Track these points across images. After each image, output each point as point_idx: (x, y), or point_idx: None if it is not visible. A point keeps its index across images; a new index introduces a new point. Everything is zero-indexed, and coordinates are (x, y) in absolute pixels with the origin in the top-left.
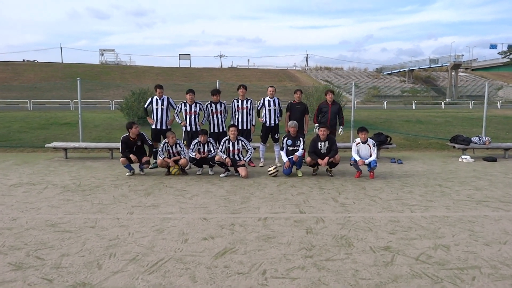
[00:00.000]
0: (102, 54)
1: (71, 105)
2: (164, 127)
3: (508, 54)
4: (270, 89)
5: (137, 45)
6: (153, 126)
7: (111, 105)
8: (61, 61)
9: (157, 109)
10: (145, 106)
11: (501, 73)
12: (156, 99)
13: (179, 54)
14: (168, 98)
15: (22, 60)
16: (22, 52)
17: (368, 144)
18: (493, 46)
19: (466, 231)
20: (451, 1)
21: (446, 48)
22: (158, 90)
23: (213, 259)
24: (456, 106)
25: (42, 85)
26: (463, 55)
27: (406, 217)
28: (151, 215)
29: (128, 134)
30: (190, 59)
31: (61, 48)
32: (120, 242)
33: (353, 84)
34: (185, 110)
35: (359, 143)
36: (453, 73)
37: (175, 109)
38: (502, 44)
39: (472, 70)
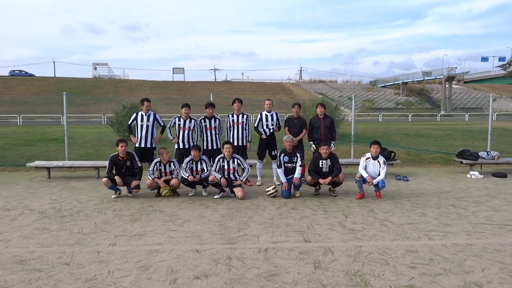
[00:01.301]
0: (95, 68)
1: (62, 120)
2: (148, 145)
3: (507, 66)
4: (267, 102)
5: (131, 59)
6: (136, 145)
7: (103, 119)
8: (54, 76)
9: (141, 126)
10: (129, 123)
11: (493, 85)
12: (142, 115)
13: (173, 68)
14: (154, 114)
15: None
16: (14, 66)
17: (378, 161)
18: (485, 59)
19: (496, 263)
20: (441, 15)
21: (438, 61)
22: (145, 103)
23: None
24: (452, 118)
25: (33, 99)
26: (456, 67)
27: (425, 246)
28: (136, 246)
29: (117, 152)
30: (184, 73)
31: (54, 62)
32: (97, 284)
33: (353, 96)
34: (179, 125)
35: (369, 158)
36: (447, 85)
37: (161, 126)
38: (493, 57)
39: (465, 82)
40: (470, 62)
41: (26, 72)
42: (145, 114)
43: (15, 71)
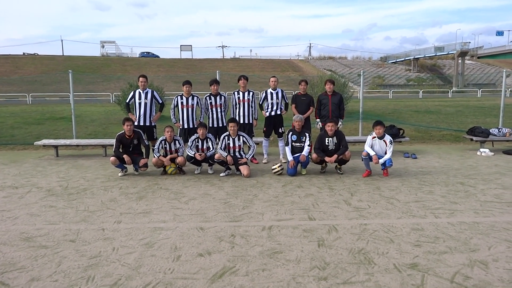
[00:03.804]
0: (103, 46)
1: (71, 98)
2: (148, 124)
3: None
4: (272, 79)
5: (138, 37)
6: (135, 123)
7: (111, 98)
8: (62, 54)
9: (139, 103)
10: (127, 101)
11: (508, 61)
12: (139, 93)
13: (181, 45)
14: (152, 92)
15: (22, 53)
16: (23, 45)
17: (384, 140)
18: (500, 33)
19: (503, 241)
20: None
21: (451, 35)
22: (140, 79)
23: (209, 284)
24: (464, 95)
25: (42, 78)
26: (469, 42)
27: (431, 224)
28: (141, 224)
29: (123, 131)
30: (191, 50)
31: (61, 40)
32: (101, 261)
33: (362, 73)
34: (181, 103)
35: (375, 137)
36: (459, 61)
37: (160, 103)
38: (509, 31)
39: (478, 57)
40: (485, 37)
41: (153, 54)
42: (143, 92)
43: (144, 53)
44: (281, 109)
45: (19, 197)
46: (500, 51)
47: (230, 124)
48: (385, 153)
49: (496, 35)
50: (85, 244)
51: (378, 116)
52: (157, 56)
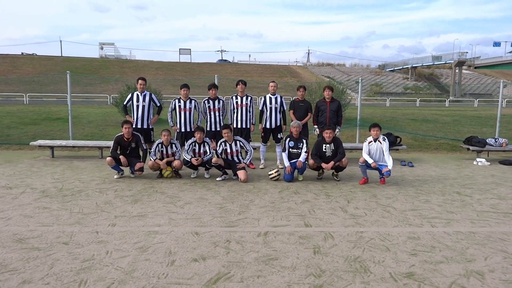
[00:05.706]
0: (102, 48)
1: (68, 99)
2: (145, 126)
3: None
4: (271, 84)
5: (137, 39)
6: (133, 126)
7: (108, 99)
8: (60, 55)
9: (137, 106)
10: (125, 103)
11: (505, 71)
12: (137, 95)
13: (180, 49)
14: (150, 94)
15: (20, 53)
16: (21, 45)
17: (379, 141)
18: (497, 44)
19: (499, 252)
20: None
21: (448, 45)
22: (139, 81)
23: None
24: (461, 104)
25: (40, 78)
26: (467, 52)
27: (427, 233)
28: (136, 227)
29: (123, 133)
30: (190, 54)
31: (60, 41)
32: (95, 264)
33: (360, 80)
34: (179, 106)
35: (371, 141)
36: (457, 70)
37: (158, 106)
38: (506, 42)
39: (475, 67)
40: (482, 47)
41: (228, 61)
42: (141, 94)
43: (221, 60)
44: (279, 119)
45: (12, 198)
46: (497, 62)
47: (224, 131)
48: (383, 154)
49: (493, 45)
50: (78, 247)
51: None
52: (229, 62)
